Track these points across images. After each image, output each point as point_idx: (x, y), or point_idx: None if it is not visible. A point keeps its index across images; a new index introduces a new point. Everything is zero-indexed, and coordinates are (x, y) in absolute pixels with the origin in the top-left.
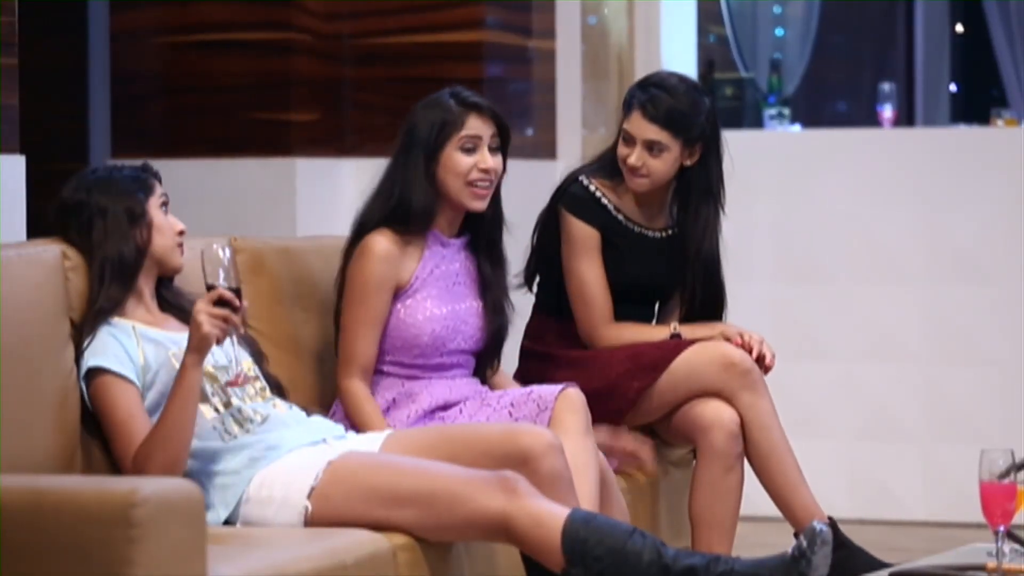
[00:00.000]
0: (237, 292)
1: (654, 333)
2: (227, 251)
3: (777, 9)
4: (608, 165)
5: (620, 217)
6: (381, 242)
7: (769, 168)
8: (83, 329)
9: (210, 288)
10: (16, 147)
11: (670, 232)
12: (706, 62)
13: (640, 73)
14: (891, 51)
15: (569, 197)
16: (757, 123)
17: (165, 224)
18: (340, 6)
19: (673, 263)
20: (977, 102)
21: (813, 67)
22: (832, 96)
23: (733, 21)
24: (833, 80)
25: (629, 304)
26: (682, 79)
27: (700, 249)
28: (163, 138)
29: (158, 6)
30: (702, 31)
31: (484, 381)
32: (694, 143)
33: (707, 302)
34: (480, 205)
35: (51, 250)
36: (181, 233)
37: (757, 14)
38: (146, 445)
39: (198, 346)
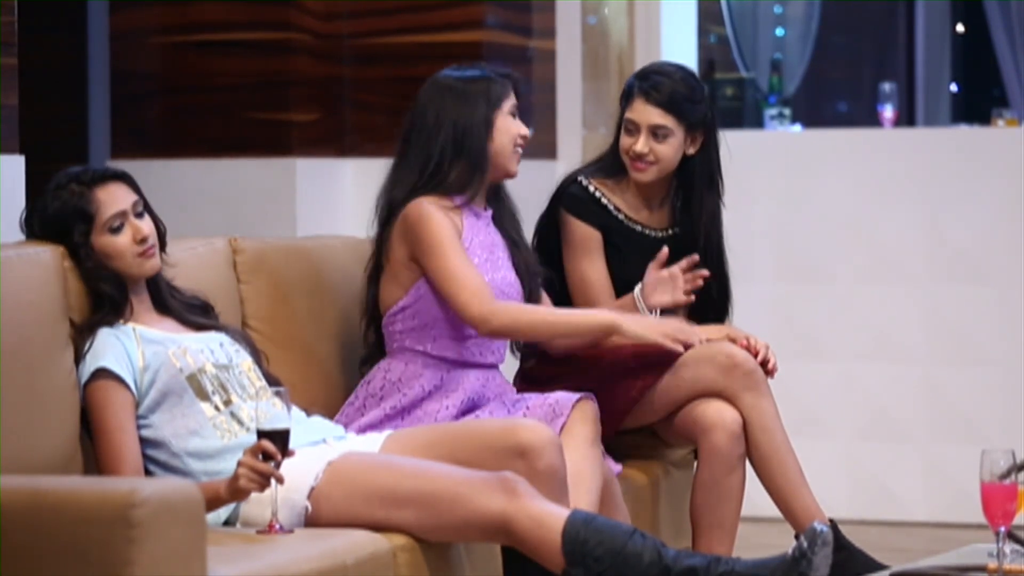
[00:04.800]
0: (286, 434)
1: None
2: (282, 402)
3: (778, 9)
4: (607, 165)
5: (621, 217)
6: (426, 202)
7: (769, 168)
8: (85, 331)
9: (259, 435)
10: (16, 147)
11: (671, 232)
12: (706, 62)
13: None
14: (892, 51)
15: (569, 198)
16: (757, 123)
17: (113, 246)
18: (340, 6)
19: (675, 262)
20: (978, 102)
21: (814, 67)
22: (833, 96)
23: (733, 21)
24: (834, 80)
25: None
26: (679, 67)
27: (709, 240)
28: (163, 138)
29: (157, 6)
30: (702, 31)
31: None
32: (696, 129)
33: (718, 294)
34: (517, 168)
35: (50, 251)
36: (143, 240)
37: (757, 14)
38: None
39: (232, 496)
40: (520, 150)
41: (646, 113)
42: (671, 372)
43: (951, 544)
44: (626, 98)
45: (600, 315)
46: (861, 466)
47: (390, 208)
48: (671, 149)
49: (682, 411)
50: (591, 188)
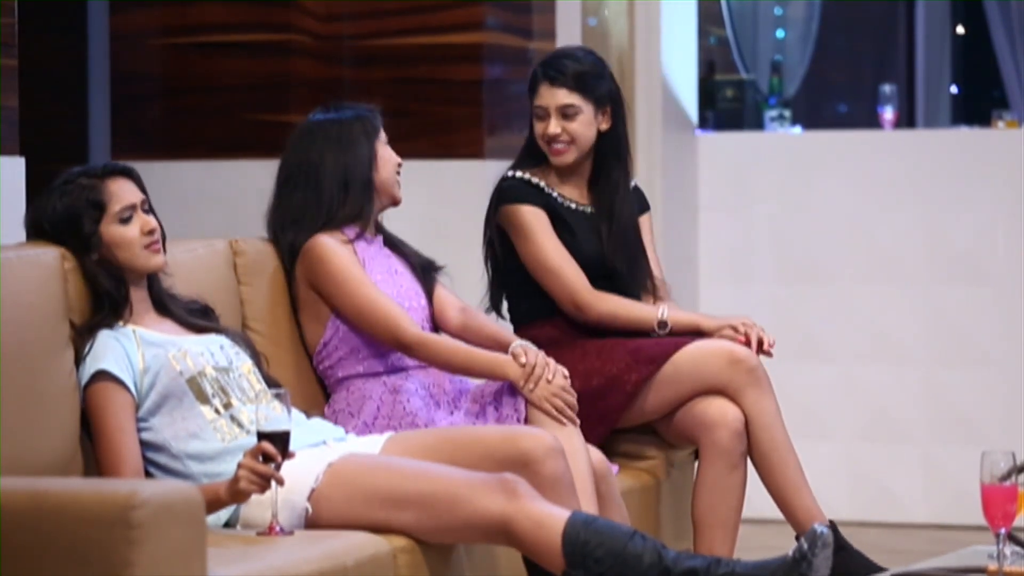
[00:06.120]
0: (286, 436)
1: (640, 309)
2: (282, 404)
3: (778, 11)
4: (527, 156)
5: (555, 195)
6: (323, 238)
7: (770, 170)
8: (85, 334)
9: (259, 436)
10: (16, 148)
11: (592, 209)
12: (707, 64)
13: (641, 74)
14: (892, 53)
15: (505, 191)
16: (758, 125)
17: (122, 236)
18: (340, 7)
19: (594, 236)
20: (978, 104)
21: (814, 69)
22: (833, 98)
23: (734, 22)
24: (834, 82)
25: (597, 282)
26: (579, 47)
27: (622, 214)
28: (163, 139)
29: (158, 7)
30: (703, 33)
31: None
32: (603, 104)
33: (634, 273)
34: (402, 195)
35: (51, 252)
36: (151, 232)
37: (758, 16)
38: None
39: (233, 498)
40: (399, 177)
41: (552, 96)
42: (672, 366)
43: (951, 546)
44: (531, 88)
45: (498, 364)
46: (861, 467)
47: (292, 252)
48: (582, 126)
49: (683, 408)
50: (521, 175)
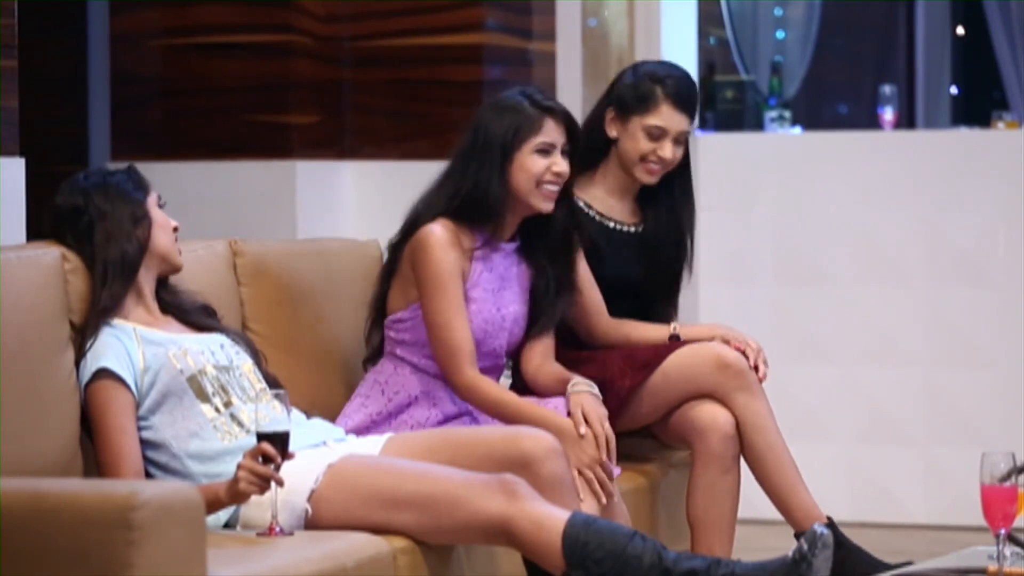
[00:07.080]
0: (286, 437)
1: (653, 331)
2: (282, 404)
3: (778, 11)
4: (583, 158)
5: (593, 214)
6: (439, 231)
7: (770, 171)
8: (85, 331)
9: (259, 437)
10: (16, 149)
11: (639, 228)
12: (707, 64)
13: None
14: (892, 53)
15: None
16: (758, 126)
17: (164, 219)
18: (340, 8)
19: (642, 255)
20: (978, 105)
21: (814, 69)
22: (833, 98)
23: (734, 23)
24: (834, 82)
25: (620, 301)
26: (682, 68)
27: (689, 239)
28: (163, 140)
29: (158, 8)
30: (702, 33)
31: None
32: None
33: (669, 297)
34: (548, 206)
35: (51, 253)
36: (175, 229)
37: (758, 16)
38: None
39: (232, 499)
40: (552, 186)
41: (676, 120)
42: (662, 372)
43: (951, 546)
44: (645, 101)
45: (545, 423)
46: (861, 468)
47: (414, 223)
48: (683, 150)
49: (676, 413)
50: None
